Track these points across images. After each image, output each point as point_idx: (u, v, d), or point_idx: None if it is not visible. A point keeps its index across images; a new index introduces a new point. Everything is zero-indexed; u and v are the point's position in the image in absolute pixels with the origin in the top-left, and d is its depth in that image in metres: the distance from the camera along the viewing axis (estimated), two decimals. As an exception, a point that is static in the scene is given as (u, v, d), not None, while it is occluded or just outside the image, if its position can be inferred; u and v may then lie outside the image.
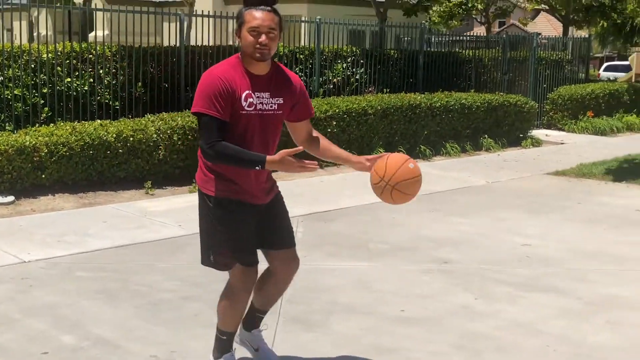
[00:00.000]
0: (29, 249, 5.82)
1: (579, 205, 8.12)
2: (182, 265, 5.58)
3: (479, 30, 34.24)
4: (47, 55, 8.64)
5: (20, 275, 5.22)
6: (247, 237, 3.35)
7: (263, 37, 3.15)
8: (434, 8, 23.11)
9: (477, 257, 5.93)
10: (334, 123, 10.08)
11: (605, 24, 30.33)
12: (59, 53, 8.78)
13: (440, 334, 4.28)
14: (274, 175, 3.49)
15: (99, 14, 14.86)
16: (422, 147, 11.10)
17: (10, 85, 8.37)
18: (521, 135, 13.02)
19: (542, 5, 20.00)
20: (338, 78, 11.70)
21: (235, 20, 3.28)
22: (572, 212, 7.72)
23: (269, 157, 3.18)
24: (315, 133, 3.57)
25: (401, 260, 5.81)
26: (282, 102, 3.30)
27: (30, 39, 13.79)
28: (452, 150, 11.49)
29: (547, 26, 45.77)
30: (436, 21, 23.30)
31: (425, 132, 11.20)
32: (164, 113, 9.02)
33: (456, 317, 4.57)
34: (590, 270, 5.63)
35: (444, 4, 22.59)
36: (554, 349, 4.09)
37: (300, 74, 11.21)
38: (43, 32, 13.56)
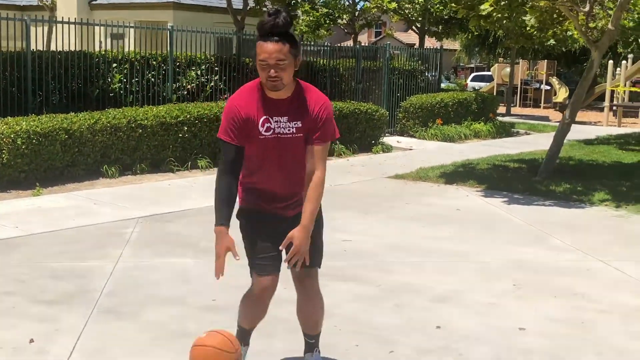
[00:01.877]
0: None
1: (407, 205, 8.83)
2: (10, 264, 5.76)
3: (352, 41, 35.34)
4: None
5: None
6: (262, 245, 3.47)
7: (272, 71, 3.18)
8: (303, 17, 23.81)
9: (297, 252, 6.42)
10: (185, 128, 10.40)
11: (470, 36, 32.19)
12: None
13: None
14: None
15: None
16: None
17: None
18: (372, 142, 13.78)
19: (399, 17, 21.02)
20: (192, 84, 12.02)
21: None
22: (399, 212, 8.40)
23: (221, 228, 3.33)
24: (316, 174, 3.39)
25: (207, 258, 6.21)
26: (300, 125, 3.32)
27: None
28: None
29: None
30: (304, 30, 23.98)
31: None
32: (9, 117, 9.05)
33: (261, 304, 5.02)
34: (396, 261, 6.25)
35: (312, 14, 23.31)
36: (340, 329, 4.61)
37: (152, 80, 11.45)
38: None
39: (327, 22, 23.72)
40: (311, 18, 23.56)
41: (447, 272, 6.02)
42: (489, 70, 40.13)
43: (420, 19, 20.91)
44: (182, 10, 20.92)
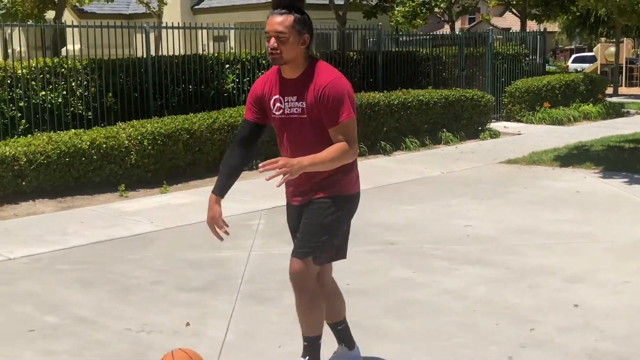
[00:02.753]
0: (13, 248, 6.36)
1: (523, 189, 8.77)
2: (151, 256, 6.15)
3: (448, 29, 35.01)
4: (22, 70, 9.16)
5: (5, 270, 5.77)
6: (292, 234, 3.56)
7: (271, 41, 3.16)
8: (398, 8, 23.79)
9: (420, 238, 6.55)
10: (297, 123, 10.67)
11: (570, 17, 31.25)
12: (33, 68, 9.30)
13: (378, 302, 4.89)
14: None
15: (70, 29, 15.35)
16: (382, 143, 11.73)
17: (-12, 100, 8.89)
18: (479, 128, 13.68)
19: (500, 2, 20.68)
20: (301, 81, 12.29)
21: None
22: (516, 196, 8.36)
23: (211, 196, 3.44)
24: (337, 143, 3.26)
25: (351, 243, 6.39)
26: (304, 105, 3.25)
27: (5, 55, 14.22)
28: (412, 144, 12.12)
29: (516, 21, 46.67)
30: (400, 21, 23.95)
31: (385, 129, 11.83)
32: (134, 120, 9.57)
33: (395, 287, 5.18)
34: (520, 244, 6.27)
35: (407, 4, 23.26)
36: (475, 310, 4.71)
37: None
38: (17, 48, 14.03)
39: (424, 11, 23.59)
40: (407, 8, 23.50)
41: (576, 253, 5.99)
42: (589, 51, 38.82)
43: (520, 2, 20.50)
44: (281, 9, 21.28)
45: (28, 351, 4.18)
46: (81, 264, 5.95)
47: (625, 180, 9.11)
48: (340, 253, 3.61)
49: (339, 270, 5.56)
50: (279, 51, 3.16)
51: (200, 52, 11.47)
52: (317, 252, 3.37)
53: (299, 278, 3.41)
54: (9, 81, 9.08)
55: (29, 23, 10.59)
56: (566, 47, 51.55)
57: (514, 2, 20.32)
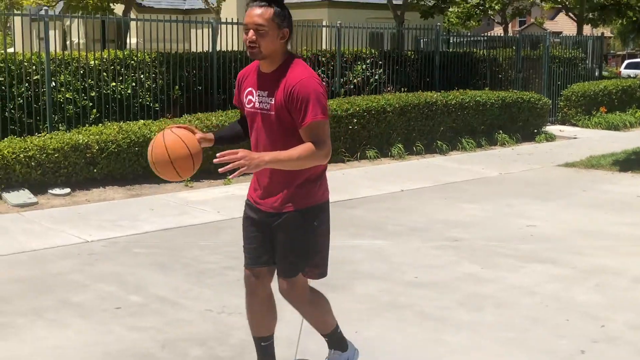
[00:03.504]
0: (90, 232, 6.64)
1: (583, 192, 8.78)
2: (222, 243, 6.36)
3: (499, 30, 34.76)
4: (94, 61, 9.49)
5: (86, 252, 6.04)
6: (246, 237, 3.35)
7: (250, 34, 3.05)
8: (452, 9, 23.77)
9: (485, 235, 6.64)
10: (355, 120, 10.82)
11: (624, 22, 30.77)
12: (105, 60, 9.62)
13: (447, 295, 5.01)
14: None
15: (132, 23, 15.72)
16: (438, 142, 11.81)
17: (62, 89, 9.22)
18: (535, 131, 13.66)
19: (557, 5, 20.52)
20: (358, 79, 12.44)
21: None
22: (577, 199, 8.39)
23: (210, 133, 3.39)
24: (305, 144, 3.09)
25: (416, 239, 6.54)
26: (273, 102, 3.12)
27: (64, 47, 14.61)
28: (468, 145, 12.17)
29: (568, 24, 46.15)
30: (454, 22, 23.91)
31: (442, 129, 11.90)
32: (199, 113, 9.82)
33: (463, 282, 5.30)
34: (586, 246, 6.32)
35: (462, 5, 23.22)
36: (546, 305, 4.80)
37: (322, 75, 11.97)
38: (76, 40, 14.45)
39: (478, 12, 23.52)
40: (461, 9, 23.46)
41: (641, 255, 6.03)
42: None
43: (577, 5, 20.32)
44: (336, 7, 21.47)
45: (117, 326, 4.41)
46: (155, 248, 6.19)
47: (688, 186, 9.05)
48: (325, 269, 3.45)
49: (407, 264, 5.71)
50: (257, 45, 3.04)
51: None
52: (307, 270, 3.32)
53: (291, 297, 3.36)
54: (82, 72, 9.40)
55: (89, 15, 10.88)
56: (618, 53, 50.81)
57: (571, 6, 20.15)
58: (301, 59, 3.20)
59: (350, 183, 9.26)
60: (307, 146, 3.04)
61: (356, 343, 4.19)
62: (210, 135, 3.33)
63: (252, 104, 3.20)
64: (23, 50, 9.37)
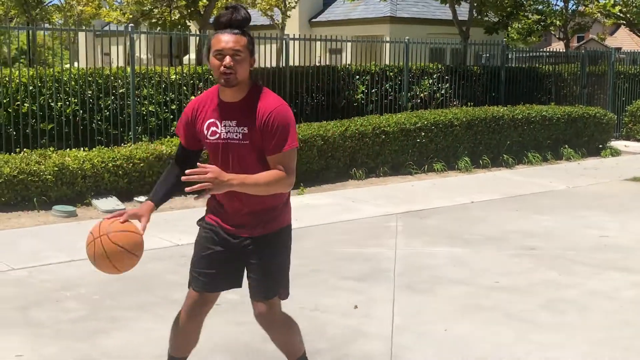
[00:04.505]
0: (179, 236, 7.02)
1: (654, 205, 8.84)
2: (305, 249, 6.65)
3: (557, 46, 34.52)
4: (175, 76, 9.96)
5: (177, 254, 6.41)
6: (201, 259, 3.29)
7: (227, 60, 2.99)
8: (513, 25, 23.81)
9: (559, 245, 6.79)
10: (423, 134, 11.05)
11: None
12: (184, 75, 10.08)
13: (530, 299, 5.20)
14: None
15: (192, 39, 16.33)
16: (505, 156, 11.94)
17: (145, 102, 9.71)
18: (600, 146, 13.66)
19: (621, 21, 20.42)
20: (425, 93, 12.68)
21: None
22: (648, 211, 8.45)
23: (149, 203, 3.26)
24: (275, 170, 3.08)
25: (492, 247, 6.73)
26: (246, 132, 3.07)
27: (128, 62, 15.22)
28: (534, 159, 12.27)
29: (627, 40, 45.50)
30: (515, 37, 23.94)
31: (508, 142, 12.04)
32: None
33: (543, 287, 5.48)
34: (661, 255, 6.43)
35: (523, 21, 23.25)
36: (626, 308, 4.95)
37: (390, 90, 12.24)
38: (142, 55, 15.09)
39: (539, 28, 23.52)
40: (522, 25, 23.49)
41: None
42: None
43: (641, 20, 20.19)
44: (397, 24, 21.77)
45: (219, 320, 4.73)
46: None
47: None
48: (289, 289, 3.41)
49: (487, 270, 5.91)
50: (234, 71, 2.99)
51: (318, 64, 12.03)
52: (281, 290, 3.31)
53: (269, 320, 3.31)
54: (163, 86, 9.88)
55: (155, 32, 11.36)
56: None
57: (636, 22, 20.02)
58: (266, 87, 3.19)
59: (419, 194, 9.47)
60: (275, 172, 3.04)
61: (447, 340, 4.43)
62: (144, 209, 3.20)
63: (216, 135, 3.11)
64: (87, 65, 9.81)
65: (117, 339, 4.44)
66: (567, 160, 12.77)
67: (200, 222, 3.37)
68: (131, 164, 8.56)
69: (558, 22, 23.50)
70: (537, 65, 15.22)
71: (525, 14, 23.17)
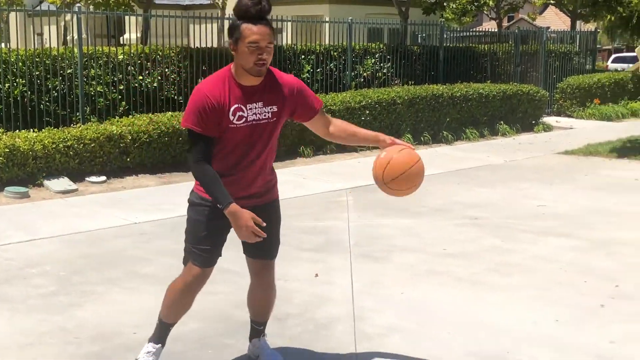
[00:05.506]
0: (136, 215, 7.16)
1: (585, 176, 9.39)
2: (263, 223, 6.89)
3: (488, 26, 35.41)
4: (123, 56, 9.99)
5: (137, 232, 6.57)
6: (211, 236, 3.36)
7: (264, 55, 3.09)
8: (447, 4, 24.36)
9: (501, 214, 7.22)
10: (367, 112, 11.38)
11: (612, 18, 31.50)
12: (132, 55, 10.12)
13: (477, 264, 5.58)
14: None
15: (133, 18, 16.20)
16: (444, 132, 12.39)
17: (93, 83, 9.72)
18: (533, 122, 14.28)
19: (550, 0, 21.16)
20: (368, 72, 13.00)
21: (228, 32, 3.18)
22: (580, 182, 8.99)
23: (232, 207, 3.14)
24: (336, 122, 3.53)
25: (439, 218, 7.11)
26: (276, 109, 3.25)
27: (64, 42, 14.94)
28: (472, 135, 12.77)
29: (555, 19, 46.88)
30: (449, 17, 24.49)
31: (447, 120, 12.49)
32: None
33: (489, 253, 5.87)
34: (595, 221, 6.92)
35: (458, 1, 23.82)
36: (565, 270, 5.39)
37: (334, 69, 12.51)
38: (75, 36, 14.88)
39: (472, 8, 24.13)
40: (457, 5, 24.06)
41: (646, 229, 6.63)
42: (627, 52, 38.93)
43: (572, 1, 20.97)
44: (336, 4, 22.01)
45: (188, 291, 4.95)
46: (202, 227, 6.71)
47: (682, 170, 9.68)
48: None
49: (436, 239, 6.27)
50: (266, 62, 3.12)
51: (284, 43, 12.15)
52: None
53: (272, 277, 3.60)
54: (111, 66, 9.90)
55: (90, 11, 11.22)
56: (604, 47, 51.62)
57: (565, 2, 20.80)
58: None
59: (366, 170, 9.77)
60: (348, 124, 3.63)
61: (405, 302, 4.77)
62: (248, 213, 3.18)
63: (243, 119, 3.18)
64: (18, 46, 9.53)
65: (91, 311, 4.60)
66: (503, 136, 13.32)
67: (195, 201, 3.38)
68: (82, 145, 8.61)
69: (491, 2, 24.15)
70: (473, 45, 15.73)
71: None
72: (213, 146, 3.21)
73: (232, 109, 3.16)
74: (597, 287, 5.00)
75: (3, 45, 11.25)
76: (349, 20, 12.71)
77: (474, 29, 29.14)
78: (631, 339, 4.13)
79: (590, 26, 42.96)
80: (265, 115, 3.23)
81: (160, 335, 3.64)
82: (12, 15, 22.18)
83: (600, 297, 4.80)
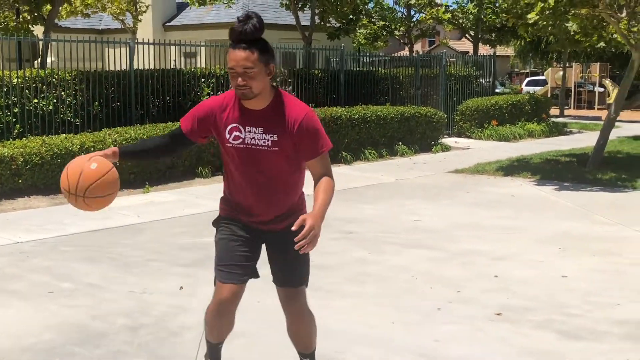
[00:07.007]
0: (19, 234, 7.27)
1: (467, 193, 9.94)
2: (143, 241, 7.11)
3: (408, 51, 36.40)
4: (17, 79, 10.07)
5: (17, 251, 6.69)
6: (232, 253, 3.33)
7: (239, 80, 3.03)
8: (360, 30, 25.09)
9: (376, 229, 7.64)
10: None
11: (522, 42, 32.92)
12: (27, 78, 10.21)
13: (338, 273, 5.94)
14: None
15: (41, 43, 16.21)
16: (343, 153, 12.84)
17: (-14, 106, 9.77)
18: (432, 143, 14.90)
19: (454, 27, 22.10)
20: (269, 95, 13.37)
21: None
22: (460, 199, 9.52)
23: (109, 149, 3.33)
24: (320, 183, 3.20)
25: (316, 233, 7.46)
26: (276, 139, 3.14)
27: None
28: (371, 155, 13.26)
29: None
30: (362, 42, 25.22)
31: (346, 140, 12.95)
32: (118, 127, 10.51)
33: (351, 264, 6.24)
34: (460, 234, 7.39)
35: (369, 27, 24.56)
36: (416, 278, 5.80)
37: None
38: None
39: (384, 34, 24.91)
40: (369, 31, 24.80)
41: (505, 241, 7.13)
42: (543, 75, 40.65)
43: (473, 27, 21.94)
44: (249, 28, 22.40)
45: (52, 306, 5.14)
46: (83, 246, 6.89)
47: (556, 187, 10.35)
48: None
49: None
50: (249, 87, 3.05)
51: (172, 67, 12.46)
52: (306, 279, 3.51)
53: (301, 307, 3.47)
54: (5, 89, 9.96)
55: (6, 36, 11.39)
56: (522, 71, 53.61)
57: (467, 27, 21.75)
58: (286, 92, 3.26)
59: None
60: (329, 183, 3.20)
61: (259, 309, 5.07)
62: (111, 150, 3.31)
63: (239, 139, 3.17)
64: None
65: (-48, 326, 4.74)
66: (401, 156, 13.88)
67: (218, 222, 3.44)
68: (-29, 167, 8.65)
69: (402, 28, 25.00)
70: (377, 69, 16.32)
71: (373, 19, 24.54)
72: (180, 139, 3.29)
73: (229, 127, 3.17)
74: (440, 293, 5.42)
75: None
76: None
77: (394, 54, 30.05)
78: (454, 338, 4.54)
79: (508, 50, 44.54)
80: (264, 142, 3.16)
81: (211, 355, 3.62)
82: None
83: (440, 301, 5.22)
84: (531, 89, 36.23)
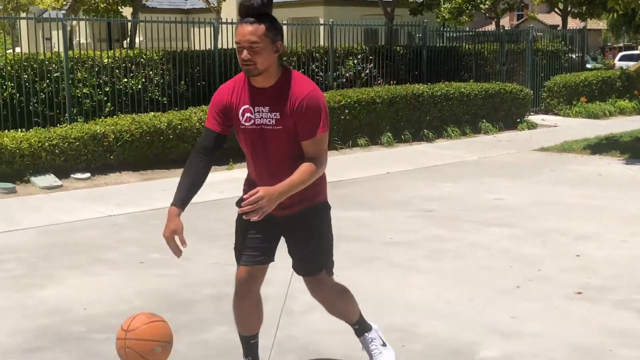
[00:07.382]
0: (112, 208, 7.64)
1: (552, 172, 9.76)
2: (226, 216, 7.32)
3: (495, 25, 35.56)
4: (108, 60, 10.48)
5: (109, 224, 7.04)
6: (246, 239, 3.34)
7: (244, 53, 3.00)
8: (445, 5, 24.69)
9: (454, 207, 7.62)
10: (347, 111, 11.79)
11: (615, 16, 31.59)
12: (117, 58, 10.61)
13: (415, 251, 5.99)
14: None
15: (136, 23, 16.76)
16: (425, 130, 12.78)
17: (80, 85, 10.22)
18: (518, 120, 14.63)
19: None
20: (350, 73, 13.42)
21: None
22: (544, 177, 9.36)
23: (170, 210, 3.24)
24: (306, 164, 3.12)
25: (395, 211, 7.53)
26: (278, 117, 3.11)
27: (70, 46, 15.50)
28: (453, 133, 13.15)
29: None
30: (447, 17, 24.84)
31: (428, 118, 12.88)
32: (203, 106, 10.81)
33: (429, 241, 6.28)
34: (541, 213, 7.30)
35: (454, 1, 24.15)
36: (495, 256, 5.78)
37: (316, 70, 12.95)
38: (82, 40, 15.47)
39: (469, 8, 24.46)
40: (453, 5, 24.39)
41: (588, 219, 7.00)
42: (637, 50, 38.98)
43: (563, 0, 21.26)
44: (331, 5, 22.43)
45: (144, 275, 5.41)
46: (170, 220, 7.17)
47: (646, 165, 10.03)
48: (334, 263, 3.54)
49: (385, 229, 6.69)
50: (253, 62, 3.00)
51: None
52: (328, 264, 3.45)
53: (326, 290, 3.47)
54: (96, 69, 10.39)
55: (94, 18, 11.86)
56: (615, 45, 51.55)
57: (556, 0, 21.09)
58: (297, 71, 3.24)
59: (342, 168, 10.22)
60: (309, 168, 3.09)
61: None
62: (174, 221, 3.28)
63: (251, 121, 3.14)
64: (29, 49, 10.20)
65: (50, 291, 5.07)
66: (485, 133, 13.69)
67: (239, 203, 3.31)
68: (67, 143, 9.10)
69: (488, 2, 24.45)
70: (458, 44, 16.08)
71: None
72: (215, 140, 3.23)
73: (241, 109, 3.15)
74: (520, 271, 5.40)
75: (16, 50, 11.82)
76: (330, 22, 13.14)
77: (479, 29, 29.47)
78: (531, 315, 4.53)
79: (601, 24, 42.97)
80: (270, 121, 3.13)
81: (245, 349, 3.57)
82: (22, 22, 22.78)
83: (520, 279, 5.20)
84: (624, 64, 34.80)
